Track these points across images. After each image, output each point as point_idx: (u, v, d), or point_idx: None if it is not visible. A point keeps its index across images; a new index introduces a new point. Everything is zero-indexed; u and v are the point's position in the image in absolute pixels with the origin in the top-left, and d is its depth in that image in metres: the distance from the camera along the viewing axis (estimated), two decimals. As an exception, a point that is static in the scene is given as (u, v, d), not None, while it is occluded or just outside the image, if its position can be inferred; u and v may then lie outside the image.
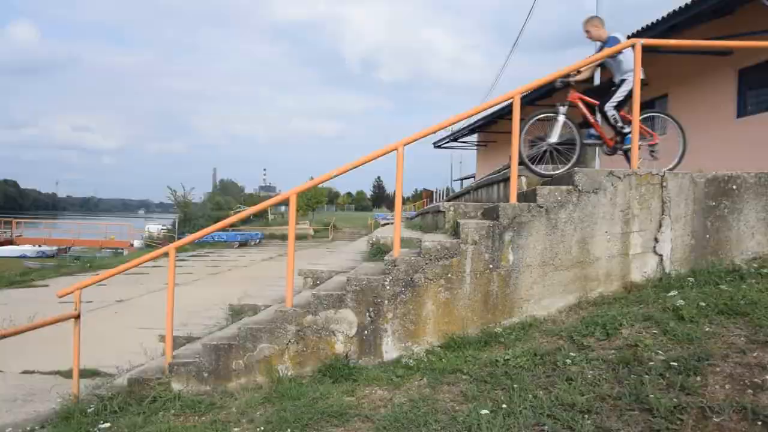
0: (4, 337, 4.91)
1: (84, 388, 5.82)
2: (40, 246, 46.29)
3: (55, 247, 45.96)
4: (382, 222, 44.10)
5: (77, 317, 5.57)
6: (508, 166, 6.91)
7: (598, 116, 6.63)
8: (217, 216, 42.66)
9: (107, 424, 4.82)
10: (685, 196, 5.52)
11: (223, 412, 4.78)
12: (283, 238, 38.31)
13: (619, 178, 5.46)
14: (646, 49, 5.77)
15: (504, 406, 3.84)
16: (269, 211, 53.53)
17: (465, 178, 44.58)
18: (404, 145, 5.40)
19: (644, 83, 5.92)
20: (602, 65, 7.02)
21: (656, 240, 5.52)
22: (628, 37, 6.61)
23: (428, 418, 3.91)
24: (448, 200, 8.66)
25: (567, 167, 6.23)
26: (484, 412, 3.79)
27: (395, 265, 5.24)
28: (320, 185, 6.11)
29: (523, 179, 6.79)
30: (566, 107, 6.47)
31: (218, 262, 23.12)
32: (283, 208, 56.59)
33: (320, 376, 5.07)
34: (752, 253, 5.54)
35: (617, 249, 5.48)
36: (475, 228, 5.29)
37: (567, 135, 6.44)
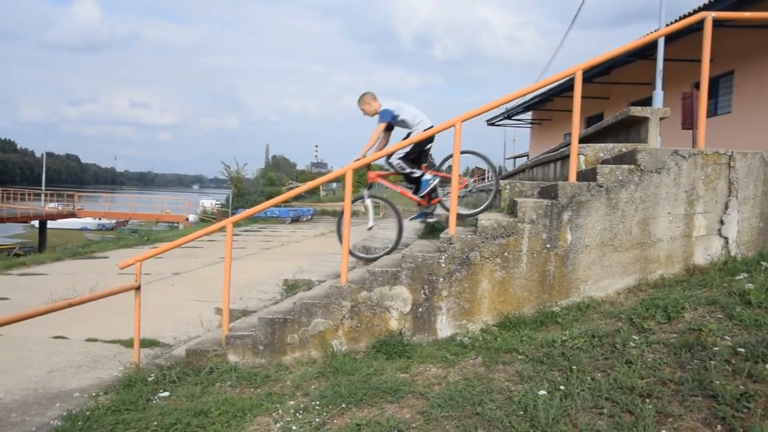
0: (71, 305, 5.07)
1: (144, 358, 5.98)
2: (100, 219, 47.91)
3: (114, 220, 47.51)
4: (434, 200, 43.88)
5: (138, 288, 5.70)
6: (566, 144, 6.76)
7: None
8: (269, 192, 43.14)
9: (167, 393, 4.95)
10: (755, 177, 5.31)
11: (278, 384, 4.85)
12: (335, 214, 38.49)
13: (684, 157, 5.28)
14: (716, 23, 5.52)
15: (561, 387, 3.79)
16: (321, 188, 53.91)
17: (518, 157, 44.04)
18: (462, 122, 5.33)
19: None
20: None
21: (722, 222, 5.34)
22: (695, 12, 6.36)
23: (483, 397, 3.89)
24: (503, 178, 8.54)
25: (388, 249, 6.48)
26: (541, 393, 3.75)
27: (451, 243, 5.20)
28: (373, 162, 6.21)
29: (582, 158, 6.63)
30: (369, 190, 6.75)
31: (271, 238, 23.40)
32: (334, 185, 56.93)
33: (374, 352, 5.09)
34: (825, 237, 5.30)
35: (680, 231, 5.32)
36: (533, 207, 5.20)
37: (390, 214, 6.57)
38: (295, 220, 35.75)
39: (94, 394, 5.21)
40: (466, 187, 6.72)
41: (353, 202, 6.56)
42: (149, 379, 5.27)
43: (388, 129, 6.91)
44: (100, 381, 5.70)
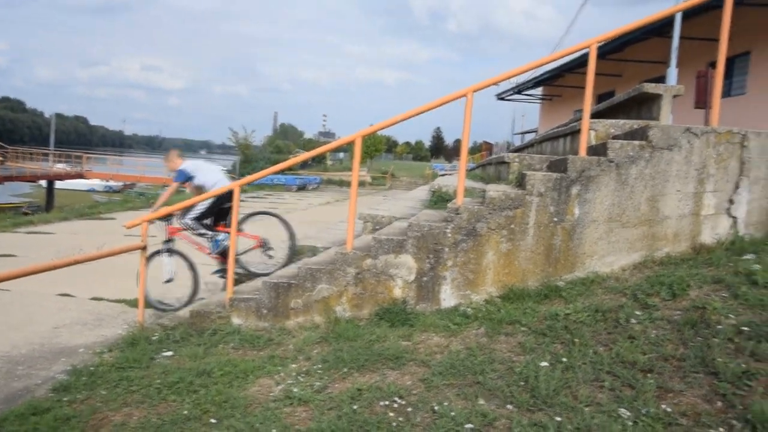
0: (78, 262, 5.10)
1: (148, 317, 6.03)
2: (107, 181, 47.94)
3: (121, 183, 47.52)
4: (441, 173, 43.85)
5: (144, 248, 5.73)
6: (577, 120, 6.71)
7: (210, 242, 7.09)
8: (276, 159, 43.04)
9: (170, 353, 4.99)
10: (768, 157, 5.26)
11: (280, 348, 4.89)
12: (341, 183, 38.49)
13: (697, 135, 5.23)
14: (737, 0, 5.42)
15: (563, 359, 3.81)
16: (327, 157, 53.82)
17: (526, 132, 43.76)
18: (473, 92, 5.27)
19: None
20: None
21: (731, 201, 5.30)
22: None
23: (485, 366, 3.92)
24: (512, 152, 8.51)
25: (185, 301, 6.49)
26: (542, 364, 3.77)
27: (458, 213, 5.18)
28: (379, 132, 6.19)
29: (592, 133, 6.58)
30: (168, 244, 6.85)
31: (276, 204, 23.35)
32: (341, 155, 56.76)
33: (377, 320, 5.11)
34: (835, 221, 5.27)
35: (688, 209, 5.29)
36: (542, 180, 5.17)
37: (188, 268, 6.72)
38: (302, 188, 35.70)
39: (98, 350, 5.26)
40: (262, 246, 6.92)
41: (149, 257, 6.50)
42: (153, 338, 5.32)
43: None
44: (105, 338, 5.76)
